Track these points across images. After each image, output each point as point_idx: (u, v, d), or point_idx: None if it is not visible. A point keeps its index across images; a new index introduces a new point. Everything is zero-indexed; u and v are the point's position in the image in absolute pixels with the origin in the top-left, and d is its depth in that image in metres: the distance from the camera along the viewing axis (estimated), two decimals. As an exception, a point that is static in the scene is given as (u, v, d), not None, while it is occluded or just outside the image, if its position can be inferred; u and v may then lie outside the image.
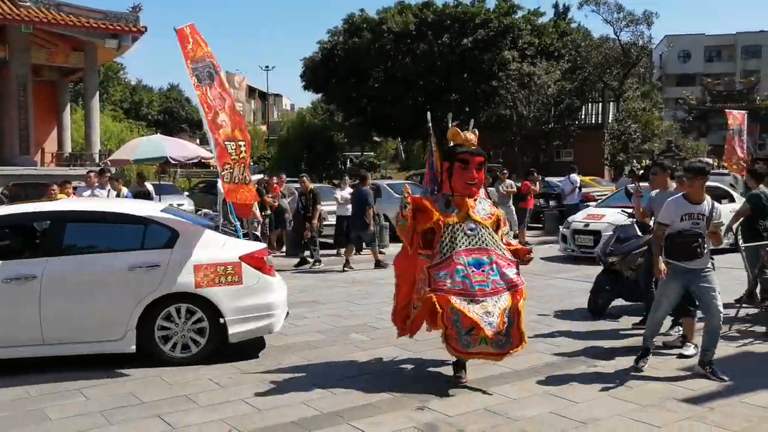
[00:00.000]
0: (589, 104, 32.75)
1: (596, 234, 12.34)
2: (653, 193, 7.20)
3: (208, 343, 6.19)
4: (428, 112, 5.98)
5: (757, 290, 8.04)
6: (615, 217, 11.79)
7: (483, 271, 5.31)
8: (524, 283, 5.45)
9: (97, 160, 20.94)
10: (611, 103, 31.59)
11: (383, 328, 7.45)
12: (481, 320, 5.11)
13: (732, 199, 13.62)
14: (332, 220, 14.47)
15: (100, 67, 27.63)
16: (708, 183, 5.87)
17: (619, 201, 12.47)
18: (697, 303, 6.00)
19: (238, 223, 7.20)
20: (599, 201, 15.51)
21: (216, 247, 6.31)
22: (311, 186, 13.48)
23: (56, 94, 24.89)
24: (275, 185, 14.94)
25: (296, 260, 13.22)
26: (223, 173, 6.79)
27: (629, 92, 31.57)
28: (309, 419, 4.79)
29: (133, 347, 6.02)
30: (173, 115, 67.06)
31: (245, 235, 7.29)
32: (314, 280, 11.07)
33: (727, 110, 17.34)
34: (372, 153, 52.21)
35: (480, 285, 5.24)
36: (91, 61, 22.71)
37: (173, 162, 15.83)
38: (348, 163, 44.04)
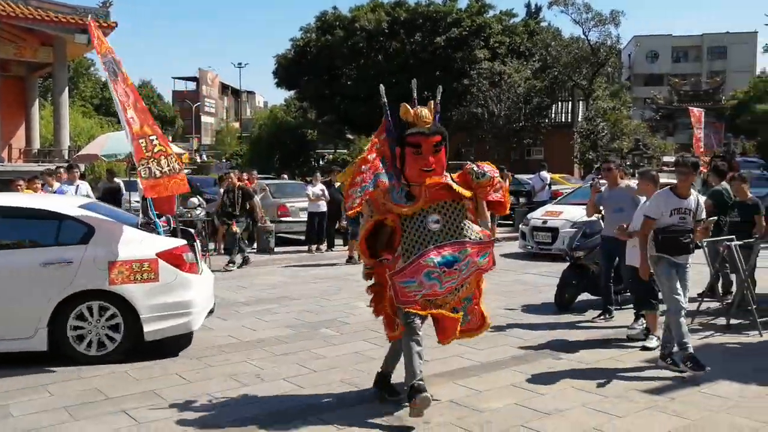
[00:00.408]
0: (559, 103, 33.12)
1: (554, 231, 12.39)
2: (603, 189, 7.37)
3: (124, 341, 6.06)
4: (381, 85, 4.93)
5: (719, 285, 8.25)
6: (572, 213, 11.96)
7: (455, 269, 4.59)
8: (494, 263, 4.86)
9: (66, 157, 20.61)
10: (580, 102, 31.97)
11: (353, 323, 7.49)
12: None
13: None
14: (304, 216, 14.51)
15: (69, 62, 27.19)
16: (664, 180, 6.01)
17: (579, 198, 12.63)
18: (662, 296, 6.03)
19: (157, 219, 7.05)
20: (558, 198, 15.57)
21: (133, 243, 6.17)
22: (238, 182, 12.93)
23: (24, 89, 24.43)
24: (246, 181, 14.93)
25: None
26: (139, 169, 6.66)
27: (598, 91, 31.98)
28: (276, 414, 4.80)
29: (45, 346, 5.91)
30: (144, 112, 66.43)
31: (173, 231, 7.13)
32: (285, 276, 11.06)
33: (690, 108, 17.67)
34: (345, 150, 52.17)
35: (449, 283, 4.62)
36: (60, 56, 22.33)
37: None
38: (321, 160, 43.95)
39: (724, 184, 8.62)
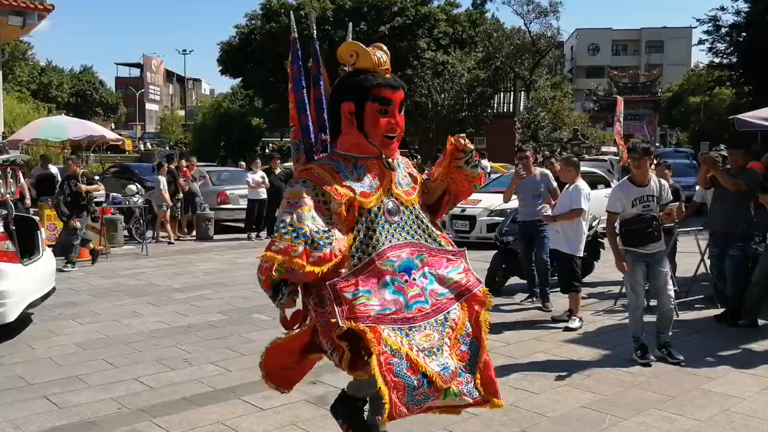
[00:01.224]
0: (502, 93, 33.60)
1: (471, 219, 12.37)
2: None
3: None
4: (290, 12, 3.78)
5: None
6: (491, 201, 12.17)
7: (414, 279, 3.16)
8: (481, 282, 3.39)
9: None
10: (522, 92, 32.51)
11: (286, 308, 7.53)
12: (432, 367, 3.03)
13: (608, 185, 13.63)
14: (244, 203, 14.44)
15: (3, 45, 26.23)
16: (585, 168, 6.23)
17: (498, 186, 12.84)
18: (648, 286, 5.82)
19: None
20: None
21: None
22: (81, 170, 11.54)
23: (-45, 73, 23.49)
24: (185, 168, 14.77)
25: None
26: None
27: (539, 81, 32.58)
28: (201, 395, 4.83)
29: None
30: (86, 98, 64.51)
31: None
32: (222, 263, 11.00)
33: (618, 98, 18.12)
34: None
35: (417, 302, 3.13)
36: (-7, 39, 21.52)
37: (83, 144, 15.32)
38: (266, 148, 43.56)
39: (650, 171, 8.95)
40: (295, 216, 3.01)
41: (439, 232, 3.38)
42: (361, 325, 2.91)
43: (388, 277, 3.09)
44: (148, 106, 77.61)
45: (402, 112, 3.31)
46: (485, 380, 3.21)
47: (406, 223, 3.28)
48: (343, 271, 3.04)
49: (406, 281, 3.13)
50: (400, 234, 3.23)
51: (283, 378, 3.68)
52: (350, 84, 3.27)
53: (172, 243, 13.37)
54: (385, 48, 3.38)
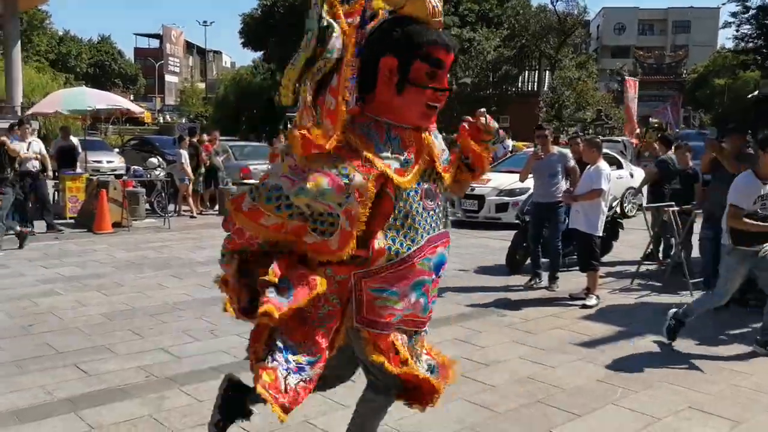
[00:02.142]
0: (526, 72, 33.34)
1: (480, 198, 12.23)
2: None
3: None
4: None
5: (660, 248, 8.64)
6: (500, 181, 12.15)
7: (440, 276, 2.86)
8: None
9: (19, 113, 20.18)
10: (547, 71, 32.23)
11: (307, 282, 7.66)
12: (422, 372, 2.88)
13: (620, 166, 13.67)
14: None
15: (21, 14, 26.36)
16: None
17: (509, 165, 12.81)
18: (758, 283, 5.50)
19: None
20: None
21: None
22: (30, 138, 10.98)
23: (-28, 42, 23.71)
24: (207, 143, 14.88)
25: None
26: None
27: (564, 61, 32.29)
28: (227, 365, 4.94)
29: None
30: (105, 69, 64.75)
31: None
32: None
33: (627, 78, 17.81)
34: (312, 114, 51.68)
35: (432, 303, 2.86)
36: (11, 6, 21.56)
37: (102, 116, 15.43)
38: (289, 123, 43.60)
39: (670, 153, 8.93)
40: (296, 188, 2.50)
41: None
42: (378, 331, 2.67)
43: (421, 278, 2.69)
44: (168, 78, 77.72)
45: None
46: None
47: (440, 207, 2.78)
48: (378, 262, 2.60)
49: (433, 280, 2.78)
50: (436, 222, 2.74)
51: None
52: (396, 34, 2.56)
53: (194, 217, 13.52)
54: None
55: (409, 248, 2.63)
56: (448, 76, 2.75)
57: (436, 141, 2.80)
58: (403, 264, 2.63)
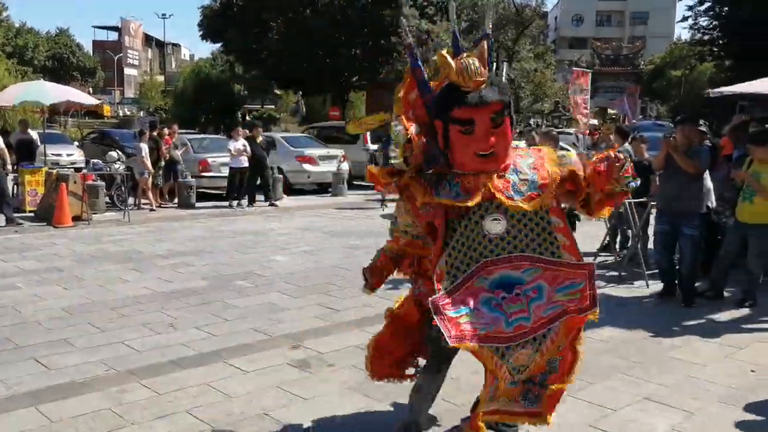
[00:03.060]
0: (485, 64, 33.53)
1: None
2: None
3: None
4: (402, 19, 3.35)
5: (617, 240, 8.85)
6: None
7: (518, 295, 2.99)
8: (596, 305, 2.94)
9: (-27, 107, 19.67)
10: (504, 63, 32.45)
11: (269, 275, 7.69)
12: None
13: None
14: (226, 171, 14.49)
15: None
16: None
17: None
18: None
19: None
20: None
21: None
22: None
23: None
24: (167, 136, 14.75)
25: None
26: None
27: (522, 52, 32.59)
28: (187, 358, 4.98)
29: None
30: (63, 62, 63.39)
31: None
32: (204, 230, 11.09)
33: (575, 69, 18.07)
34: (272, 106, 51.51)
35: (519, 318, 2.94)
36: (-35, -1, 21.08)
37: (61, 109, 15.20)
38: (247, 116, 43.29)
39: (627, 145, 9.13)
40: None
41: (564, 242, 3.08)
42: (470, 344, 2.87)
43: (483, 295, 2.97)
44: (127, 71, 76.37)
45: (503, 124, 3.01)
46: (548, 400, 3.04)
47: (515, 235, 3.02)
48: (440, 287, 2.98)
49: (504, 298, 2.96)
50: (505, 247, 3.01)
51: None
52: (435, 101, 3.10)
53: (154, 210, 13.42)
54: (482, 49, 3.07)
55: (465, 271, 3.01)
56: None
57: (513, 176, 3.08)
58: (461, 287, 2.99)
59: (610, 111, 22.27)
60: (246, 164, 13.96)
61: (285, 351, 5.17)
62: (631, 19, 64.69)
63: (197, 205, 14.12)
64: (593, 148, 11.19)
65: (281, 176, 15.61)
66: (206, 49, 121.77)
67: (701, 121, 7.25)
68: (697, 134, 6.63)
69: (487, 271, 2.99)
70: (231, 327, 5.76)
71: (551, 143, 7.09)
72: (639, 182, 3.14)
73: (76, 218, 11.47)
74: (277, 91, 43.86)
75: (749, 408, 4.22)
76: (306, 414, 4.03)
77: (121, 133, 22.23)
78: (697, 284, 6.80)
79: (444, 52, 3.06)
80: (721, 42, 23.29)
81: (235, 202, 14.11)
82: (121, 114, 51.66)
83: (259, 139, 14.49)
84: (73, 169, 14.11)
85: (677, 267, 6.88)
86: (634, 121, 19.70)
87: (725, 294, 6.91)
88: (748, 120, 9.01)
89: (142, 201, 13.68)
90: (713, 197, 7.00)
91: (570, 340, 2.97)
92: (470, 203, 3.00)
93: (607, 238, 8.48)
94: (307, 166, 16.77)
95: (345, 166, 16.72)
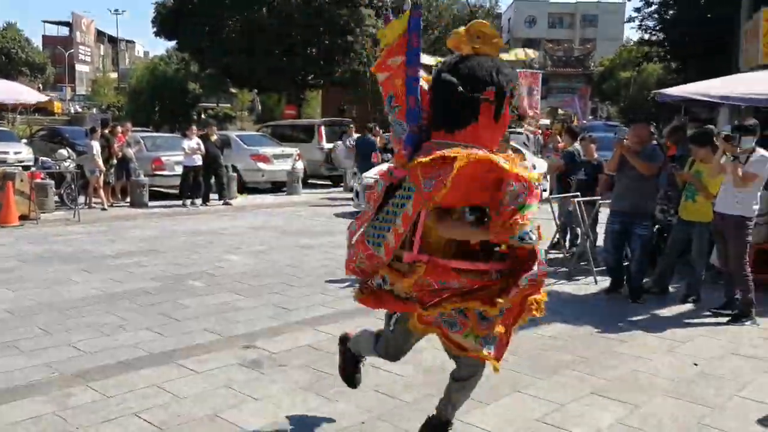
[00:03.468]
0: (440, 65, 33.76)
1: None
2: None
3: None
4: None
5: (567, 237, 9.02)
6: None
7: None
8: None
9: None
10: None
11: (221, 275, 7.61)
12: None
13: (523, 158, 14.15)
14: (179, 170, 14.29)
15: None
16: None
17: None
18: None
19: None
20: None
21: None
22: None
23: None
24: (120, 134, 14.49)
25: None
26: None
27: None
28: (137, 359, 4.91)
29: None
30: (11, 57, 61.69)
31: None
32: (157, 230, 10.92)
33: (519, 71, 18.43)
34: (228, 105, 50.99)
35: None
36: None
37: (9, 106, 14.81)
38: (202, 114, 42.78)
39: (576, 144, 9.32)
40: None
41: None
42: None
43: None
44: (79, 67, 74.67)
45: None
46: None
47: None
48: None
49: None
50: None
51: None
52: (491, 70, 2.93)
53: (105, 209, 13.18)
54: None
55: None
56: None
57: None
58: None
59: (560, 111, 22.67)
60: (200, 163, 13.82)
61: (237, 351, 5.14)
62: (581, 21, 65.86)
63: (150, 204, 13.91)
64: (544, 147, 11.39)
65: (236, 175, 15.47)
66: (161, 45, 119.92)
67: (651, 122, 7.40)
68: (648, 133, 6.77)
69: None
70: (182, 327, 5.70)
71: (502, 142, 7.18)
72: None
73: (24, 217, 11.23)
74: (233, 90, 43.42)
75: (692, 400, 4.35)
76: (257, 414, 4.01)
77: (72, 130, 21.72)
78: (644, 281, 6.98)
79: (481, 21, 3.15)
80: (666, 44, 23.88)
81: (188, 201, 13.94)
82: (72, 111, 50.39)
83: (214, 137, 14.35)
84: (20, 168, 13.76)
85: (626, 264, 7.05)
86: (584, 121, 20.12)
87: (670, 290, 7.11)
88: (687, 121, 9.29)
89: (93, 200, 13.43)
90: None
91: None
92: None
93: (557, 236, 8.64)
94: (261, 165, 16.66)
95: (300, 164, 16.67)
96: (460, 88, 2.91)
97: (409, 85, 3.06)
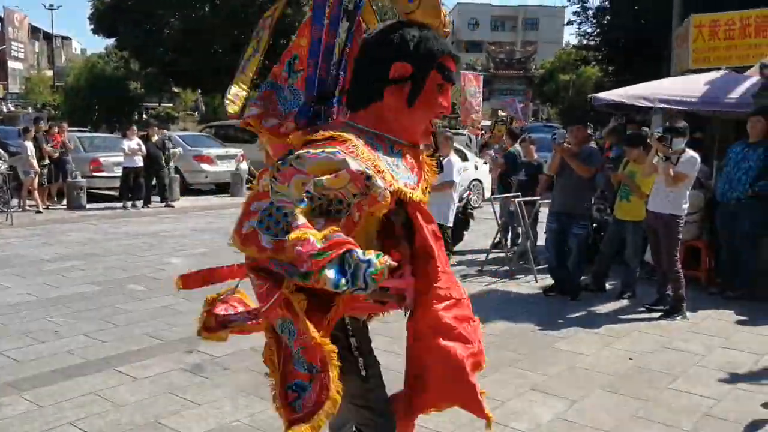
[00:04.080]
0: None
1: None
2: None
3: None
4: None
5: (509, 236, 9.18)
6: None
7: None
8: None
9: None
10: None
11: (163, 278, 7.47)
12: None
13: (465, 158, 13.80)
14: (119, 171, 13.96)
15: None
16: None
17: None
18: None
19: None
20: None
21: None
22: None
23: None
24: (56, 134, 14.04)
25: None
26: None
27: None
28: (72, 367, 4.78)
29: None
30: None
31: None
32: (95, 233, 10.65)
33: (462, 72, 18.64)
34: (170, 104, 50.02)
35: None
36: None
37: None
38: (144, 114, 41.87)
39: (517, 146, 9.50)
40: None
41: None
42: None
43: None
44: (11, 64, 71.99)
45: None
46: None
47: None
48: (440, 290, 2.37)
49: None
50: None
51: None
52: (411, 39, 2.25)
53: (41, 212, 12.77)
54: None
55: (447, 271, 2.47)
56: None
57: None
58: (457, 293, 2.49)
59: (500, 113, 23.04)
60: (140, 164, 13.53)
61: (179, 356, 5.06)
62: (523, 24, 67.13)
63: (88, 206, 13.54)
64: (485, 148, 11.58)
65: (178, 176, 15.19)
66: (99, 43, 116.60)
67: (588, 123, 7.60)
68: (585, 135, 6.96)
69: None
70: (122, 332, 5.58)
71: (446, 143, 7.28)
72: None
73: (-48, 222, 10.78)
74: (175, 89, 42.61)
75: (627, 393, 4.50)
76: (201, 420, 3.97)
77: (4, 130, 20.92)
78: (582, 278, 7.17)
79: None
80: (603, 48, 24.55)
81: (129, 203, 13.63)
82: (5, 110, 48.59)
83: (155, 138, 14.07)
84: (-52, 169, 13.21)
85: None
86: (525, 123, 20.47)
87: (607, 287, 7.32)
88: (624, 123, 9.58)
89: (28, 202, 13.00)
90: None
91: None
92: (418, 190, 2.29)
93: (499, 235, 8.79)
94: (204, 166, 16.41)
95: (244, 165, 16.48)
96: (361, 55, 2.35)
97: (312, 47, 2.48)
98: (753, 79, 8.22)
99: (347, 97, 2.43)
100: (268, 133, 2.50)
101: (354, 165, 2.00)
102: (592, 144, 7.35)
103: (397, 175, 2.21)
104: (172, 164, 14.67)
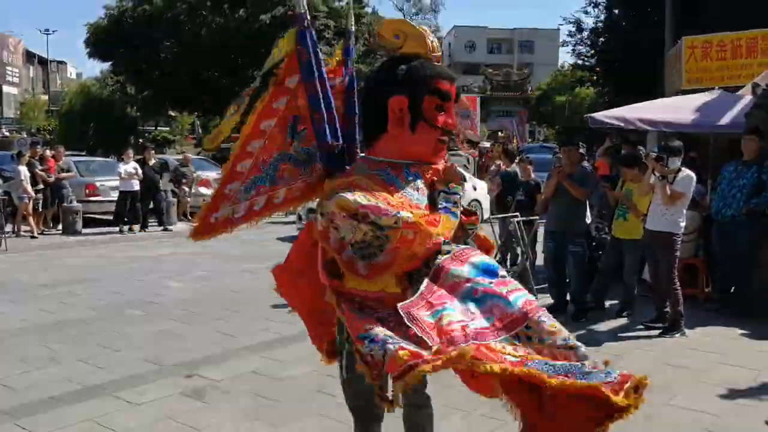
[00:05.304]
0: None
1: None
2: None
3: None
4: None
5: (508, 257, 9.18)
6: None
7: (503, 277, 2.51)
8: None
9: None
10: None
11: (161, 303, 7.45)
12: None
13: (464, 178, 14.31)
14: (115, 195, 13.96)
15: None
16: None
17: None
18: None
19: None
20: None
21: None
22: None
23: None
24: (50, 159, 14.05)
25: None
26: None
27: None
28: (70, 393, 4.73)
29: None
30: (-69, 79, 59.38)
31: None
32: (92, 257, 10.62)
33: (462, 95, 18.92)
34: (167, 128, 50.16)
35: (521, 296, 2.46)
36: None
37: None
38: (140, 138, 41.90)
39: (514, 166, 9.53)
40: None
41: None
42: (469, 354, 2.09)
43: (466, 286, 2.39)
44: (6, 89, 72.08)
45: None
46: None
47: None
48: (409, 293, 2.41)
49: (491, 283, 2.41)
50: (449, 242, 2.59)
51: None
52: (401, 73, 2.58)
53: (36, 237, 12.73)
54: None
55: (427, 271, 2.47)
56: None
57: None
58: (437, 281, 2.43)
59: (500, 134, 23.15)
60: (137, 188, 13.52)
61: (178, 380, 5.02)
62: (519, 46, 67.69)
63: (84, 231, 13.50)
64: (482, 169, 11.62)
65: (175, 200, 15.19)
66: (95, 68, 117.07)
67: (580, 143, 7.66)
68: (578, 156, 7.04)
69: (458, 263, 2.45)
70: (120, 358, 5.54)
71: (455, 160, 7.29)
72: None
73: (-53, 248, 10.73)
74: (172, 113, 42.74)
75: (627, 414, 4.47)
76: (140, 419, 3.92)
77: (-3, 155, 20.94)
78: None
79: (397, 21, 2.80)
80: (598, 69, 24.75)
81: (126, 228, 13.61)
82: (-1, 135, 48.62)
83: (152, 162, 14.09)
84: (-57, 195, 13.18)
85: (567, 281, 7.23)
86: (523, 144, 20.61)
87: (606, 305, 7.30)
88: (620, 144, 9.63)
89: (23, 228, 12.95)
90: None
91: None
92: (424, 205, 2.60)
93: (499, 255, 8.78)
94: (203, 190, 16.38)
95: (241, 189, 16.47)
96: (365, 94, 2.72)
97: (312, 101, 2.71)
98: (746, 98, 8.29)
99: (363, 134, 2.78)
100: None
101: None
102: (585, 164, 7.39)
103: (415, 199, 2.56)
104: (192, 189, 15.21)
